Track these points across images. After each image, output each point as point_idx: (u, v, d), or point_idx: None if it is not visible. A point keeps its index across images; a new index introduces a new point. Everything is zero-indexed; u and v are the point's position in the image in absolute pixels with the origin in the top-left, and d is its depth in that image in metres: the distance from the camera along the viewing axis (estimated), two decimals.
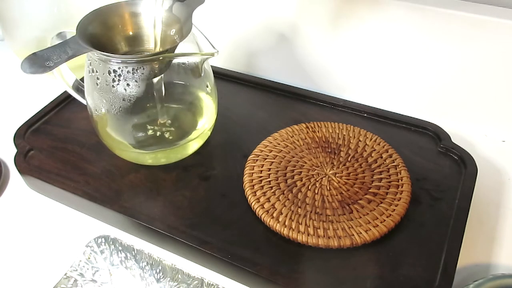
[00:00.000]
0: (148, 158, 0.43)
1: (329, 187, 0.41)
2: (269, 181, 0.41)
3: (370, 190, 0.40)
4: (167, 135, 0.43)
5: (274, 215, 0.38)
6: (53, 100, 0.52)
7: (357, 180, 0.41)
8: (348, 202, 0.39)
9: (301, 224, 0.38)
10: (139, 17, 0.41)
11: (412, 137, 0.48)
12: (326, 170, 0.42)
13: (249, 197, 0.40)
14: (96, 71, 0.38)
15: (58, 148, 0.47)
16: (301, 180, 0.41)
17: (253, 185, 0.41)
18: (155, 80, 0.40)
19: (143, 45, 0.42)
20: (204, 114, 0.44)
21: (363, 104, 0.51)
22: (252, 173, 0.42)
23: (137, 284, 0.37)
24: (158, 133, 0.43)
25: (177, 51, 0.38)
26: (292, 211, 0.39)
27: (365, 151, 0.44)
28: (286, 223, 0.38)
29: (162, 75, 0.39)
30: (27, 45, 0.56)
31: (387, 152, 0.44)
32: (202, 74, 0.41)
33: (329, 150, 0.44)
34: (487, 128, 0.51)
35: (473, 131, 0.50)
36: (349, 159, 0.43)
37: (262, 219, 0.39)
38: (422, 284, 0.35)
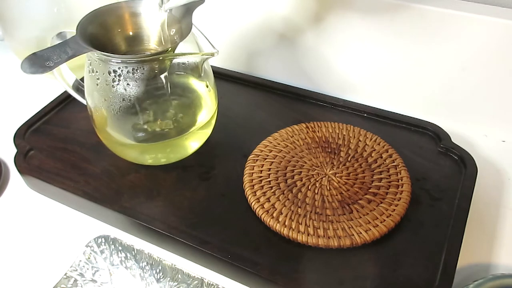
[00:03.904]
0: (148, 158, 0.43)
1: (329, 187, 0.41)
2: (269, 181, 0.41)
3: (370, 190, 0.40)
4: (167, 132, 0.43)
5: (274, 215, 0.38)
6: (53, 100, 0.52)
7: (357, 180, 0.41)
8: (348, 202, 0.39)
9: (301, 224, 0.38)
10: (139, 17, 0.41)
11: (412, 137, 0.48)
12: (326, 170, 0.42)
13: (249, 197, 0.40)
14: (96, 71, 0.38)
15: (58, 148, 0.47)
16: (301, 180, 0.41)
17: (253, 185, 0.41)
18: (162, 76, 0.40)
19: (143, 45, 0.42)
20: (204, 114, 0.44)
21: (363, 104, 0.51)
22: (252, 173, 0.42)
23: (137, 284, 0.37)
24: (157, 129, 0.43)
25: (177, 51, 0.38)
26: (292, 211, 0.39)
27: (365, 151, 0.44)
28: (286, 223, 0.38)
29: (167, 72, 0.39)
30: (27, 45, 0.56)
31: (387, 152, 0.44)
32: (202, 74, 0.41)
33: (329, 150, 0.44)
34: (487, 128, 0.51)
35: (473, 131, 0.50)
36: (349, 159, 0.43)
37: (262, 219, 0.39)
38: (422, 284, 0.35)
